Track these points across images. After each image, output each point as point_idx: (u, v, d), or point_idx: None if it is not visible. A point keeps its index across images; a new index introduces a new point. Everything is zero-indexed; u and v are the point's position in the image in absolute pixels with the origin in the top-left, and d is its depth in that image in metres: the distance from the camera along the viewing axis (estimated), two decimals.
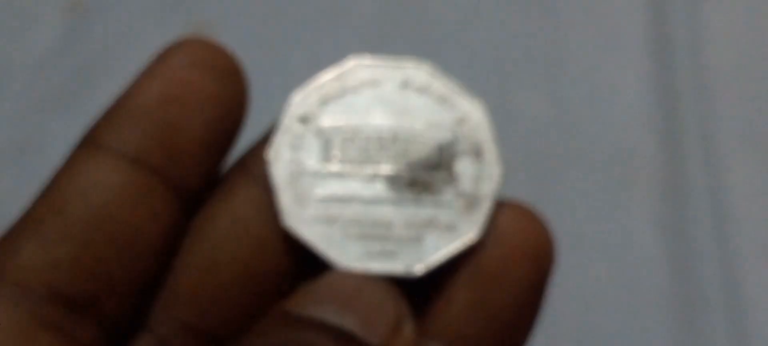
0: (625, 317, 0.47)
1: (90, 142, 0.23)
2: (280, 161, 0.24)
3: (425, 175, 0.24)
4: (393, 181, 0.24)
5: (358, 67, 0.25)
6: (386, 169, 0.24)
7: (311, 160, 0.24)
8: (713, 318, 0.46)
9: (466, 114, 0.25)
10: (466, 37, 0.55)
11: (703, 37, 0.53)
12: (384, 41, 0.55)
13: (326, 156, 0.24)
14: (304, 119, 0.24)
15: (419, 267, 0.24)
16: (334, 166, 0.24)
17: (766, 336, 0.46)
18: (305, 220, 0.24)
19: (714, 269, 0.47)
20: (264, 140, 0.25)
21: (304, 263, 0.24)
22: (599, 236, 0.49)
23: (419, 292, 0.24)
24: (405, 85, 0.25)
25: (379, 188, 0.24)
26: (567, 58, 0.54)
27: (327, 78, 0.25)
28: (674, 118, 0.51)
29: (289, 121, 0.24)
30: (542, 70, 0.54)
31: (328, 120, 0.24)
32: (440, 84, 0.25)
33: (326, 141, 0.24)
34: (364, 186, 0.24)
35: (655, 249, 0.48)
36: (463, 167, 0.24)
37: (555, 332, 0.47)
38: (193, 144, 0.23)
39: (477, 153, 0.24)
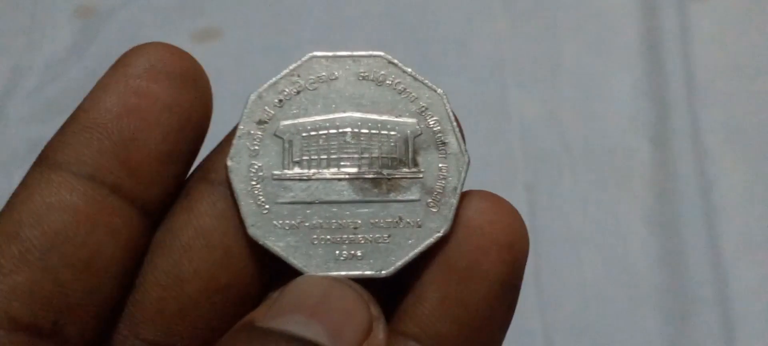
0: (618, 310, 0.48)
1: (44, 163, 0.22)
2: (240, 168, 0.23)
3: (389, 171, 0.23)
4: (357, 180, 0.23)
5: (313, 62, 0.24)
6: (349, 168, 0.23)
7: (272, 164, 0.23)
8: (703, 311, 0.47)
9: (428, 104, 0.24)
10: (465, 41, 0.55)
11: (693, 41, 0.55)
12: (387, 45, 0.54)
13: (286, 159, 0.23)
14: (262, 122, 0.24)
15: (388, 269, 0.23)
16: (296, 170, 0.23)
17: (753, 328, 0.47)
18: (269, 227, 0.23)
19: (703, 263, 0.49)
20: (224, 146, 0.24)
21: (271, 272, 0.23)
22: (592, 232, 0.50)
23: (390, 290, 0.23)
24: (362, 77, 0.24)
25: (343, 189, 0.23)
26: (561, 61, 0.55)
27: (281, 76, 0.24)
28: (665, 118, 0.53)
29: (246, 125, 0.24)
30: (538, 73, 0.55)
31: (286, 121, 0.24)
32: (399, 73, 0.24)
33: (285, 143, 0.24)
34: (328, 188, 0.23)
35: (647, 245, 0.49)
36: (428, 160, 0.23)
37: (550, 326, 0.47)
38: (153, 157, 0.23)
39: (441, 144, 0.23)
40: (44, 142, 0.23)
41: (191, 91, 0.23)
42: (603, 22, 0.56)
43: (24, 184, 0.22)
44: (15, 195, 0.22)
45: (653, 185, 0.51)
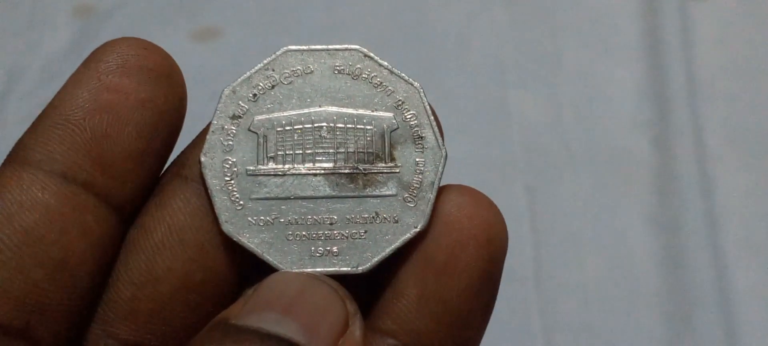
0: (618, 311, 0.48)
1: (16, 160, 0.22)
2: (214, 163, 0.23)
3: (366, 166, 0.23)
4: (332, 176, 0.23)
5: (287, 56, 0.23)
6: (325, 163, 0.23)
7: (246, 160, 0.23)
8: (704, 312, 0.47)
9: (405, 97, 0.23)
10: (466, 41, 0.55)
11: (694, 40, 0.54)
12: (387, 45, 0.55)
13: (261, 154, 0.23)
14: (236, 117, 0.23)
15: (365, 265, 0.23)
16: (271, 165, 0.23)
17: (754, 329, 0.47)
18: (244, 224, 0.23)
19: (705, 264, 0.48)
20: (197, 142, 0.23)
21: (247, 269, 0.23)
22: (593, 233, 0.50)
23: (367, 287, 0.23)
24: (338, 70, 0.23)
25: (319, 185, 0.23)
26: (563, 61, 0.55)
27: (255, 70, 0.23)
28: (666, 118, 0.52)
29: (220, 120, 0.23)
30: (539, 73, 0.54)
31: (260, 116, 0.23)
32: (375, 67, 0.24)
33: (260, 138, 0.23)
34: (303, 183, 0.23)
35: (648, 246, 0.49)
36: (405, 155, 0.23)
37: (550, 326, 0.47)
38: (126, 154, 0.22)
39: (418, 139, 0.23)
40: None
41: (165, 87, 0.23)
42: (604, 22, 0.56)
43: None
44: None
45: (654, 185, 0.51)
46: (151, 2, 0.57)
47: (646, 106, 0.53)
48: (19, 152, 0.22)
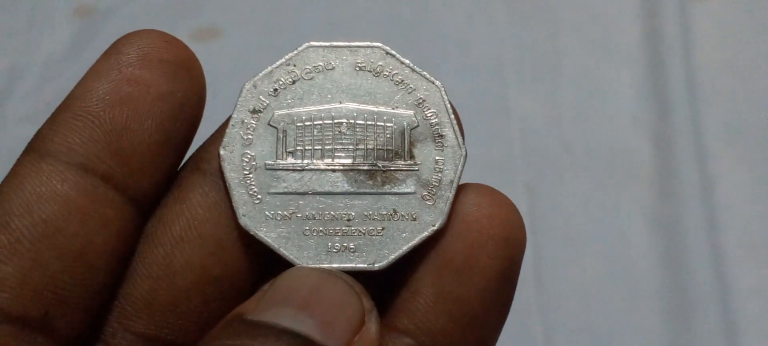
0: (619, 311, 0.48)
1: (34, 151, 0.22)
2: (233, 157, 0.23)
3: (385, 163, 0.23)
4: (351, 172, 0.23)
5: (308, 52, 0.24)
6: (344, 159, 0.23)
7: (265, 154, 0.23)
8: (704, 311, 0.47)
9: (426, 96, 0.23)
10: (466, 41, 0.55)
11: (694, 41, 0.54)
12: (387, 43, 0.54)
13: (280, 149, 0.23)
14: (256, 111, 0.23)
15: (381, 262, 0.23)
16: (289, 160, 0.23)
17: (754, 328, 0.47)
18: (261, 218, 0.23)
19: (705, 264, 0.48)
20: (217, 136, 0.23)
21: (264, 263, 0.23)
22: (593, 232, 0.50)
23: (383, 285, 0.23)
24: (359, 67, 0.24)
25: (337, 181, 0.23)
26: (563, 61, 0.55)
27: (277, 65, 0.24)
28: (666, 118, 0.52)
29: (240, 114, 0.23)
30: (539, 73, 0.54)
31: (280, 110, 0.23)
32: (396, 65, 0.24)
33: (280, 133, 0.23)
34: (321, 179, 0.23)
35: (648, 245, 0.49)
36: (424, 153, 0.23)
37: (550, 326, 0.47)
38: (146, 147, 0.22)
39: (438, 137, 0.23)
40: None
41: (185, 80, 0.23)
42: (604, 22, 0.56)
43: (14, 173, 0.22)
44: (4, 184, 0.22)
45: (654, 185, 0.51)
46: (151, 2, 0.57)
47: (646, 106, 0.53)
48: (38, 143, 0.22)
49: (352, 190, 0.23)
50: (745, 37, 0.55)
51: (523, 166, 0.52)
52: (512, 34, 0.55)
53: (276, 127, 0.23)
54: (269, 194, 0.23)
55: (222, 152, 0.23)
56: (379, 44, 0.24)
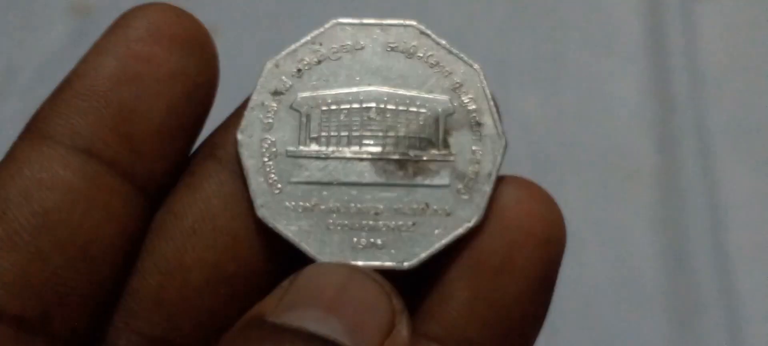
0: (621, 312, 0.47)
1: (34, 133, 0.20)
2: (251, 142, 0.21)
3: (417, 152, 0.21)
4: (380, 161, 0.21)
5: (336, 29, 0.22)
6: (372, 147, 0.21)
7: (286, 139, 0.21)
8: (708, 313, 0.46)
9: (463, 80, 0.21)
10: (466, 40, 0.53)
11: (698, 40, 0.53)
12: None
13: (303, 135, 0.21)
14: (278, 93, 0.21)
15: (411, 261, 0.21)
16: (313, 146, 0.21)
17: (759, 332, 0.46)
18: (281, 209, 0.21)
19: (709, 266, 0.47)
20: (233, 119, 0.21)
21: (283, 260, 0.21)
22: (596, 233, 0.48)
23: (412, 286, 0.21)
24: (391, 48, 0.22)
25: (364, 170, 0.21)
26: (566, 60, 0.54)
27: (301, 43, 0.22)
28: (670, 119, 0.51)
29: (260, 96, 0.21)
30: (541, 73, 0.53)
31: (304, 92, 0.21)
32: (431, 46, 0.22)
33: (303, 117, 0.21)
34: (347, 168, 0.21)
35: (651, 246, 0.48)
36: (461, 142, 0.21)
37: (550, 326, 0.46)
38: (156, 130, 0.20)
39: (476, 125, 0.21)
40: None
41: (198, 58, 0.21)
42: (607, 21, 0.55)
43: (11, 157, 0.20)
44: (0, 169, 0.20)
45: (658, 186, 0.50)
46: (148, 0, 0.56)
47: (649, 106, 0.52)
48: (37, 124, 0.20)
49: (380, 181, 0.21)
50: (749, 36, 0.54)
51: (523, 166, 0.50)
52: (512, 34, 0.54)
53: (299, 111, 0.21)
54: (290, 183, 0.21)
55: (239, 137, 0.21)
56: (414, 23, 0.22)
